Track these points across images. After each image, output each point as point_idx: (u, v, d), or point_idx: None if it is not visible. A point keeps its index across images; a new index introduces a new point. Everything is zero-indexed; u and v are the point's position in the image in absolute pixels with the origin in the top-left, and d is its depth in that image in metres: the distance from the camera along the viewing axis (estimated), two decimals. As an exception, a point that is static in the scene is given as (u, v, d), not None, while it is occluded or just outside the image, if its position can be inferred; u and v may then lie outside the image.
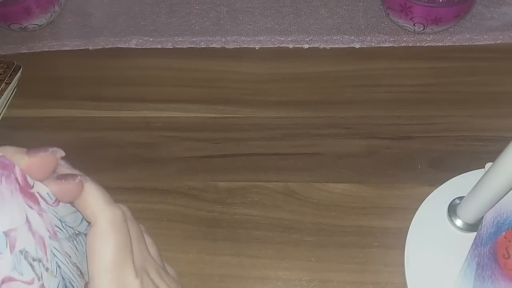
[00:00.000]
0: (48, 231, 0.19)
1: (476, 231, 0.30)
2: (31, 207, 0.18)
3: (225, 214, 0.34)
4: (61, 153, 0.21)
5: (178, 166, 0.37)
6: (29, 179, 0.19)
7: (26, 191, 0.18)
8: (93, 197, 0.21)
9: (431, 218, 0.32)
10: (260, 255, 0.32)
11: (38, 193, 0.19)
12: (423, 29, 0.43)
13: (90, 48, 0.46)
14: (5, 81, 0.42)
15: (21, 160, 0.19)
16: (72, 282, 0.21)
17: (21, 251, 0.17)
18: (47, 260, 0.19)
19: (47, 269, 0.19)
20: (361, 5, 0.47)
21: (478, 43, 0.43)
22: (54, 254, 0.20)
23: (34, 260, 0.18)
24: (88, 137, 0.39)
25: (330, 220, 0.34)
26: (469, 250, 0.30)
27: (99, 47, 0.46)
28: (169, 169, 0.37)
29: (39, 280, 0.18)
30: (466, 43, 0.43)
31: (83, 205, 0.21)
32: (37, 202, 0.19)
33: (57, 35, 0.47)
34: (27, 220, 0.18)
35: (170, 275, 0.25)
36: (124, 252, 0.21)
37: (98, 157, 0.38)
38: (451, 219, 0.31)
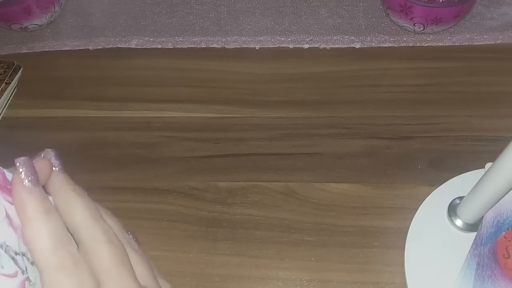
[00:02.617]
0: None
1: (476, 231, 0.30)
2: (11, 203, 0.18)
3: (225, 214, 0.34)
4: (51, 153, 0.20)
5: (179, 166, 0.37)
6: (8, 175, 0.19)
7: (4, 187, 0.18)
8: (39, 242, 0.18)
9: (431, 218, 0.32)
10: (261, 255, 0.32)
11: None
12: (423, 29, 0.43)
13: (91, 48, 0.46)
14: (5, 81, 0.42)
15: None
16: None
17: (0, 245, 0.17)
18: None
19: (32, 263, 0.19)
20: (361, 5, 0.47)
21: (478, 43, 0.43)
22: None
23: (16, 254, 0.18)
24: (88, 137, 0.39)
25: (330, 220, 0.34)
26: (469, 250, 0.30)
27: (100, 47, 0.46)
28: (169, 169, 0.37)
29: (23, 273, 0.18)
30: (466, 43, 0.43)
31: (31, 251, 0.18)
32: None
33: (57, 35, 0.47)
34: (7, 215, 0.18)
35: None
36: None
37: (98, 157, 0.38)
38: (451, 219, 0.31)
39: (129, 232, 0.24)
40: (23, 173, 0.19)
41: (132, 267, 0.21)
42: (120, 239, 0.21)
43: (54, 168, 0.20)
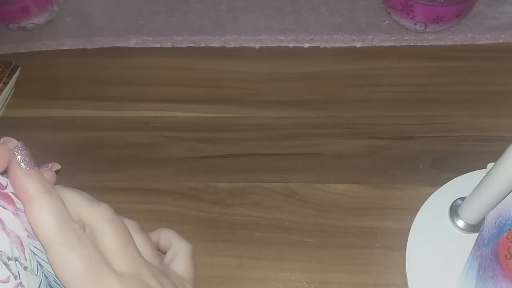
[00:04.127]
0: (26, 230, 0.19)
1: (478, 231, 0.30)
2: (4, 207, 0.18)
3: (224, 215, 0.34)
4: (14, 142, 0.19)
5: (177, 167, 0.37)
6: (1, 179, 0.18)
7: None
8: (43, 220, 0.18)
9: (432, 218, 0.32)
10: (260, 257, 0.32)
11: (12, 193, 0.19)
12: (425, 28, 0.42)
13: (89, 47, 0.45)
14: (3, 81, 0.42)
15: None
16: (57, 280, 0.21)
17: None
18: (26, 259, 0.19)
19: (25, 268, 0.18)
20: (362, 4, 0.47)
21: (479, 42, 0.43)
22: (34, 253, 0.19)
23: (9, 259, 0.18)
24: (86, 137, 0.39)
25: (331, 221, 0.33)
26: (471, 251, 0.29)
27: (98, 47, 0.45)
28: (168, 169, 0.37)
29: (16, 278, 0.18)
30: (468, 42, 0.43)
31: (34, 229, 0.19)
32: (11, 202, 0.19)
33: (55, 34, 0.47)
34: (0, 220, 0.18)
35: (169, 276, 0.24)
36: (95, 265, 0.19)
37: (96, 157, 0.38)
38: (452, 220, 0.31)
39: None
40: (19, 157, 0.19)
41: (136, 246, 0.21)
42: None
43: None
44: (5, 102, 0.42)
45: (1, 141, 0.19)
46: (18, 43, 0.46)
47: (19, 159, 0.19)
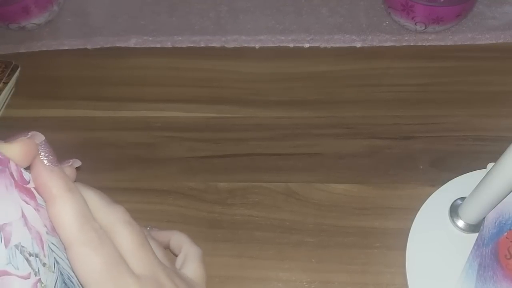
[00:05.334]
0: (46, 226, 0.19)
1: (478, 231, 0.30)
2: (27, 202, 0.18)
3: (225, 215, 0.34)
4: (41, 137, 0.19)
5: (178, 167, 0.37)
6: (25, 174, 0.18)
7: (21, 186, 0.18)
8: (65, 219, 0.19)
9: (432, 218, 0.32)
10: (261, 256, 0.32)
11: (34, 188, 0.19)
12: (425, 28, 0.42)
13: (89, 47, 0.45)
14: (3, 81, 0.42)
15: (2, 148, 0.18)
16: (71, 278, 0.21)
17: (16, 246, 0.17)
18: (44, 255, 0.19)
19: (44, 264, 0.18)
20: (362, 4, 0.47)
21: (479, 43, 0.43)
22: (51, 249, 0.19)
23: (30, 255, 0.18)
24: (87, 137, 0.39)
25: (331, 220, 0.33)
26: (471, 251, 0.30)
27: (98, 47, 0.45)
28: (169, 169, 0.37)
29: (35, 275, 0.18)
30: (468, 43, 0.43)
31: (56, 227, 0.19)
32: (33, 197, 0.19)
33: (55, 34, 0.47)
34: (23, 215, 0.18)
35: (182, 278, 0.24)
36: (114, 265, 0.19)
37: (97, 157, 0.38)
38: (452, 220, 0.31)
39: None
40: (42, 153, 0.19)
41: (152, 248, 0.22)
42: None
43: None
44: (5, 102, 0.42)
45: (29, 136, 0.19)
46: (18, 43, 0.46)
47: (42, 156, 0.19)
